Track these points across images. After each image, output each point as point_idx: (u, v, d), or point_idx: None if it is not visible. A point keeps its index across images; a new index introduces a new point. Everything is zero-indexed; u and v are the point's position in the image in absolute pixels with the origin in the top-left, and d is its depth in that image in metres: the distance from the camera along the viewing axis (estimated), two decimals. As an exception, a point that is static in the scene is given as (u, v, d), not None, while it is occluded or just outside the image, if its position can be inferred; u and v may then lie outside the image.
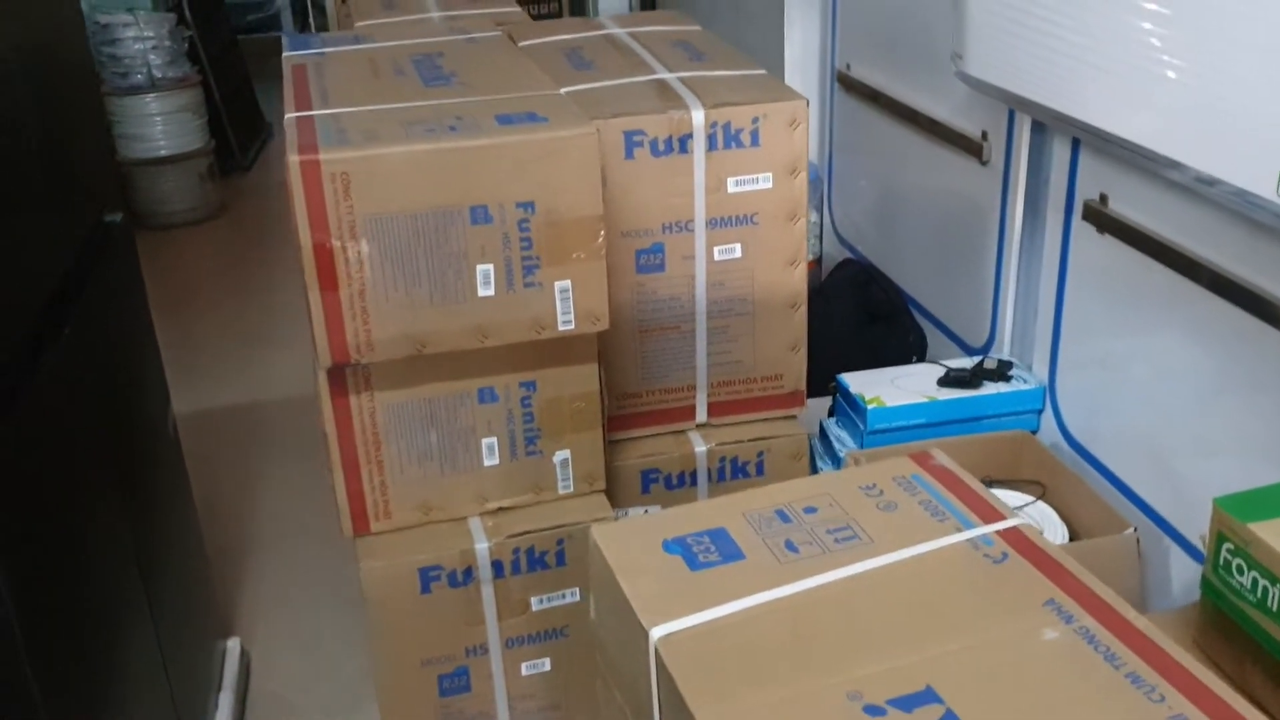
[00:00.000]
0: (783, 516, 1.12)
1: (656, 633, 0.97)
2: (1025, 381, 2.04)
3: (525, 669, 1.69)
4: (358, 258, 1.44)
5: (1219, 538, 1.08)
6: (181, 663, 1.83)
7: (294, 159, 1.39)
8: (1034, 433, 2.02)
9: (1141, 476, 1.81)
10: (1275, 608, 1.02)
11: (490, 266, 1.49)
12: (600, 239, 1.50)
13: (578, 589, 1.67)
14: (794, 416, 1.92)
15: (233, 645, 2.12)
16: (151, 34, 4.40)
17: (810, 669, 0.92)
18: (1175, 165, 1.36)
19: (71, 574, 1.42)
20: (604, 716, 1.18)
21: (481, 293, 1.50)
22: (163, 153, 4.43)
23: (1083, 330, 1.94)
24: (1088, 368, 1.94)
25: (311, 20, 5.59)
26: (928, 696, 0.88)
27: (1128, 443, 1.85)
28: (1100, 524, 1.74)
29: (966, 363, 2.10)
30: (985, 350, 2.21)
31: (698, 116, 1.65)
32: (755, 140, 1.68)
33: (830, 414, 2.15)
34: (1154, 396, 1.77)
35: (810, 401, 2.00)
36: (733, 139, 1.67)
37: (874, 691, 0.88)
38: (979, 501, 1.12)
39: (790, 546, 1.07)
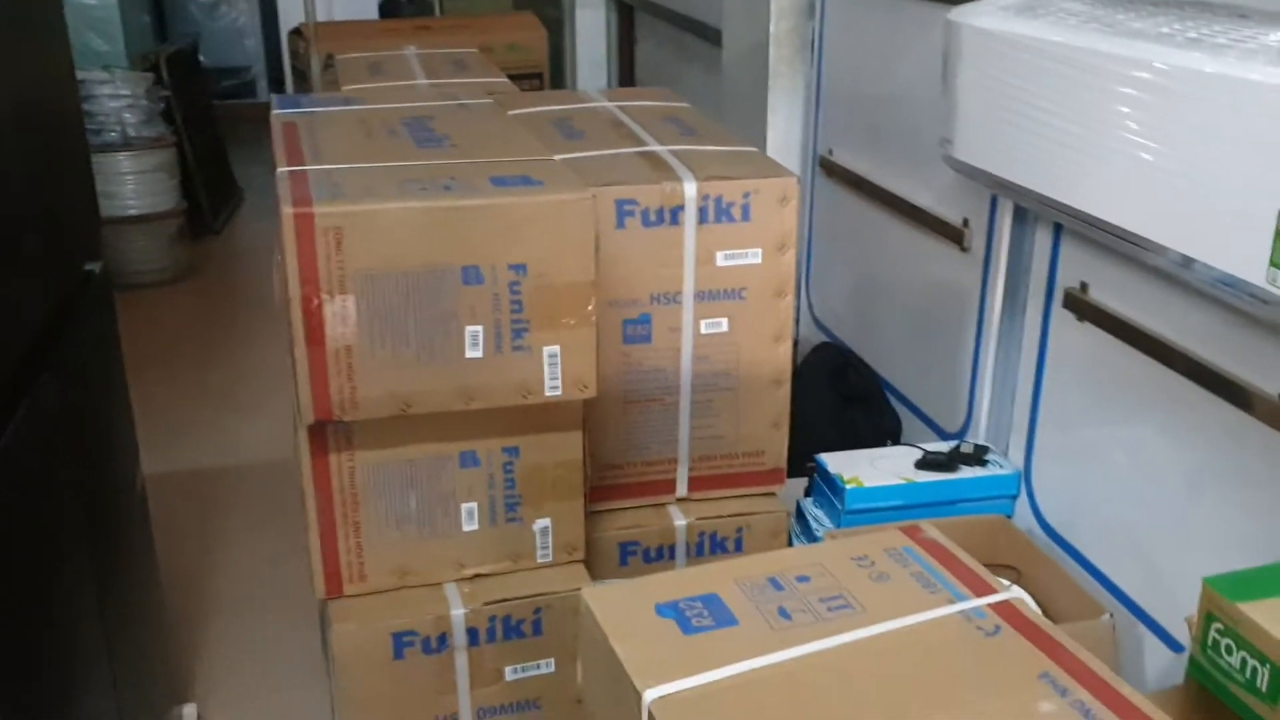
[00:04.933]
0: (775, 584, 1.11)
1: (650, 695, 0.95)
2: (1001, 467, 2.05)
3: (495, 741, 1.65)
4: (346, 314, 1.43)
5: (1208, 617, 1.08)
6: (136, 727, 1.78)
7: (288, 211, 1.38)
8: (1009, 517, 2.03)
9: (1117, 564, 1.81)
10: (1264, 688, 1.02)
11: (480, 328, 1.48)
12: (591, 305, 1.51)
13: (553, 659, 1.64)
14: (774, 493, 1.92)
15: (189, 712, 2.06)
16: (128, 92, 4.42)
17: (807, 737, 0.90)
18: (1159, 249, 1.39)
19: (36, 631, 1.37)
20: (586, 786, 1.15)
21: (469, 354, 1.49)
22: (132, 212, 4.40)
23: (1060, 416, 1.96)
24: (1064, 454, 1.96)
25: (290, 88, 5.63)
26: (928, 767, 0.86)
27: (1104, 530, 1.86)
28: (1075, 610, 1.74)
29: (943, 446, 2.11)
30: (960, 436, 2.22)
31: (690, 188, 1.67)
32: (746, 215, 1.70)
33: (807, 494, 2.14)
34: (1131, 484, 1.79)
35: (789, 482, 2.00)
36: (724, 213, 1.69)
37: (873, 761, 0.87)
38: (970, 575, 1.12)
39: (783, 614, 1.06)
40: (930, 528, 1.22)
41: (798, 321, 2.98)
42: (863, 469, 2.04)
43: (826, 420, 2.58)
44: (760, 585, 1.10)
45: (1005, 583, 1.12)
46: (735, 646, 1.01)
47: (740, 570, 1.13)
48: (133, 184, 4.42)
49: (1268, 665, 1.02)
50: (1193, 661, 1.12)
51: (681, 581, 1.12)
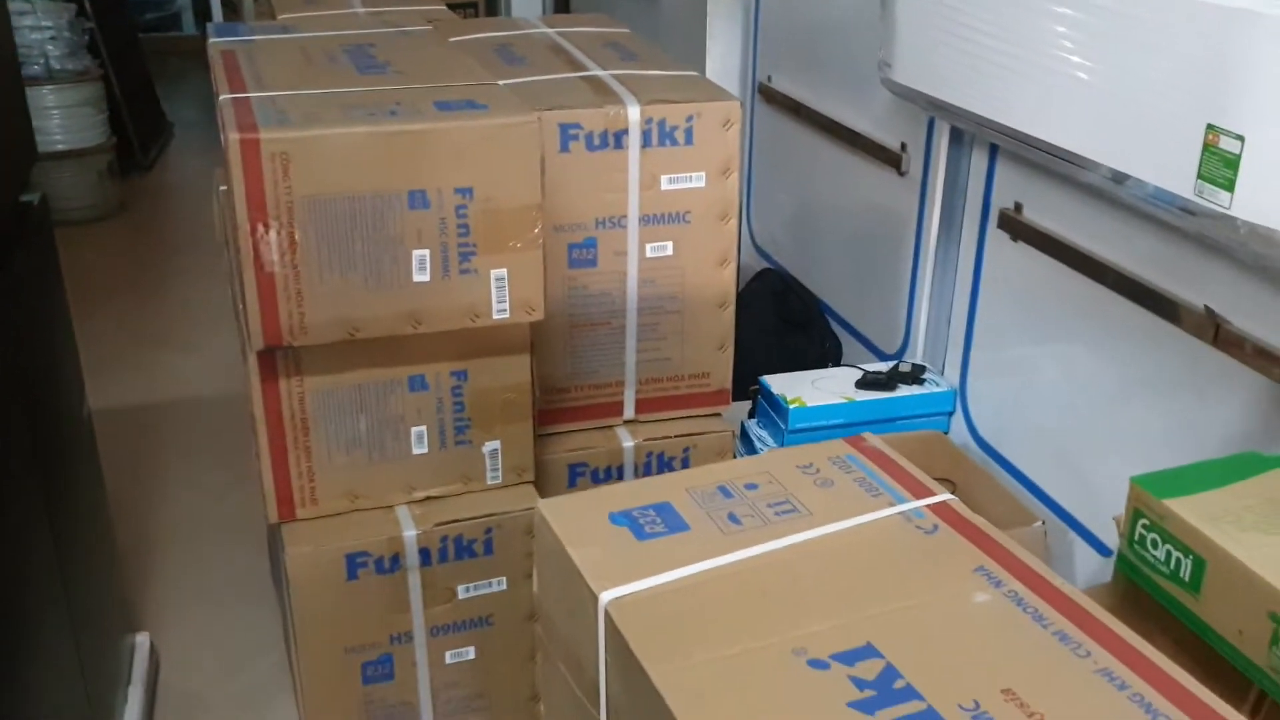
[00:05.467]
0: (724, 492, 1.14)
1: (606, 597, 0.98)
2: (938, 385, 2.11)
3: (449, 657, 1.69)
4: (294, 239, 1.43)
5: (1135, 514, 1.14)
6: (94, 655, 1.79)
7: (234, 136, 1.38)
8: (945, 433, 2.09)
9: (1048, 474, 1.89)
10: (1187, 577, 1.08)
11: (426, 252, 1.49)
12: (538, 229, 1.52)
13: (505, 578, 1.68)
14: (719, 414, 1.96)
15: (142, 640, 2.07)
16: (50, 24, 4.28)
17: (757, 629, 0.94)
18: (1092, 166, 1.43)
19: None
20: (546, 692, 1.19)
21: (417, 278, 1.50)
22: (60, 147, 4.30)
23: (994, 335, 2.02)
24: (998, 370, 2.02)
25: (219, 19, 5.50)
26: (868, 652, 0.91)
27: (1035, 442, 1.93)
28: (1009, 518, 1.80)
29: (882, 367, 2.16)
30: (898, 356, 2.28)
31: (633, 112, 1.68)
32: (689, 139, 1.72)
33: (751, 415, 2.19)
34: (1061, 397, 1.85)
35: (733, 405, 2.04)
36: (667, 136, 1.71)
37: (818, 648, 0.91)
38: (910, 479, 1.17)
39: (733, 519, 1.10)
40: (873, 437, 1.26)
41: (739, 248, 3.01)
42: (805, 390, 2.09)
43: (769, 345, 2.62)
44: (710, 493, 1.14)
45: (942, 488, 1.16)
46: (687, 550, 1.05)
47: (691, 480, 1.17)
48: (59, 119, 4.30)
49: (1190, 556, 1.08)
50: (1121, 557, 1.18)
51: (635, 491, 1.15)
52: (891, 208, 2.26)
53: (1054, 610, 0.96)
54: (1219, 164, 1.16)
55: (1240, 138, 1.14)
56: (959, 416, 2.11)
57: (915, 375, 2.13)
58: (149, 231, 4.52)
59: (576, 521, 1.10)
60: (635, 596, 0.99)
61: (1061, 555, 1.81)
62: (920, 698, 0.86)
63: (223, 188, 2.03)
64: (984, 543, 1.06)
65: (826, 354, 2.53)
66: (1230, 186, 1.15)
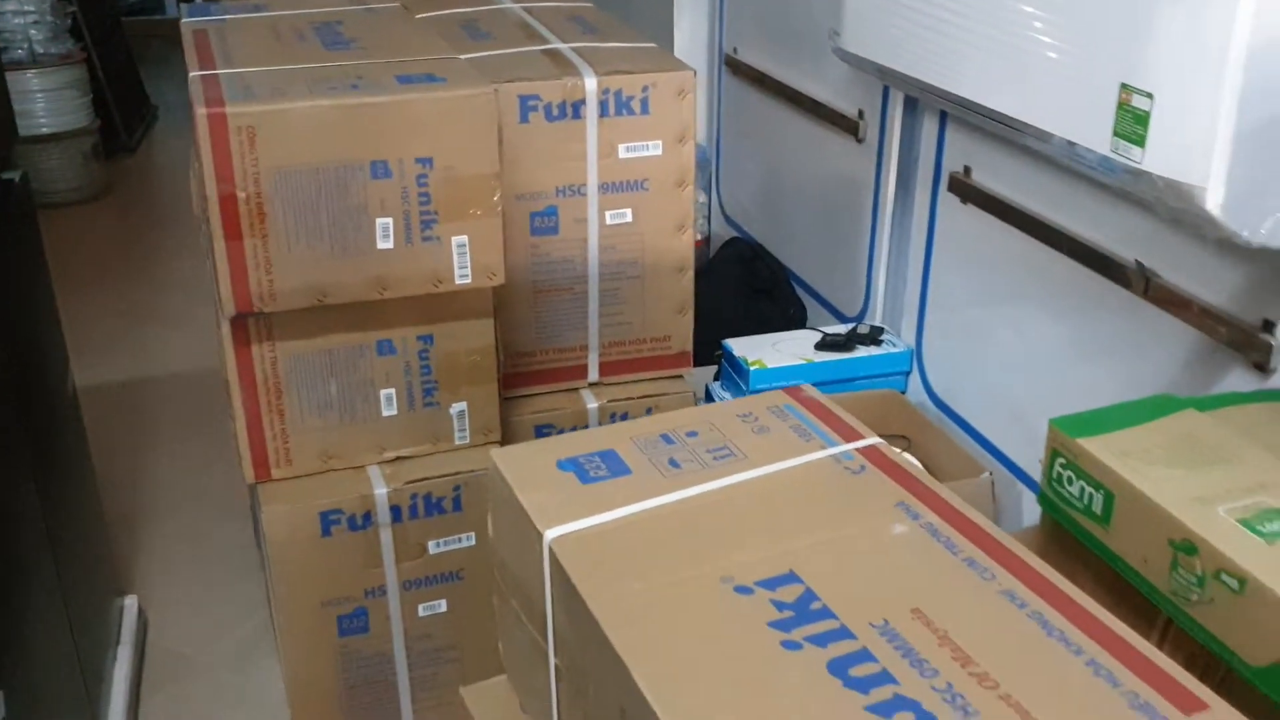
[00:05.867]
0: (667, 440, 1.21)
1: (550, 534, 1.05)
2: (895, 345, 2.18)
3: (422, 610, 1.76)
4: (262, 209, 1.49)
5: (1053, 454, 1.21)
6: (84, 616, 1.86)
7: (202, 111, 1.44)
8: (902, 392, 2.16)
9: (998, 429, 1.96)
10: (1099, 511, 1.15)
11: (389, 220, 1.55)
12: (496, 196, 1.58)
13: (473, 533, 1.75)
14: (681, 376, 2.02)
15: (130, 603, 2.14)
16: (33, 8, 4.33)
17: (688, 560, 1.01)
18: (1026, 128, 1.49)
19: None
20: (502, 630, 1.26)
21: (381, 245, 1.56)
22: (45, 130, 4.35)
23: (947, 295, 2.09)
24: (951, 330, 2.09)
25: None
26: (790, 578, 0.98)
27: (986, 398, 2.00)
28: (959, 471, 1.88)
29: (841, 329, 2.23)
30: (859, 319, 2.35)
31: (590, 83, 1.74)
32: (645, 108, 1.78)
33: (716, 378, 2.26)
34: (1011, 355, 1.92)
35: (698, 370, 2.11)
36: (624, 106, 1.77)
37: (744, 576, 0.98)
38: (843, 426, 1.24)
39: (673, 463, 1.16)
40: (810, 388, 1.33)
41: (709, 218, 3.07)
42: (765, 352, 2.16)
43: (737, 312, 2.69)
44: (653, 441, 1.21)
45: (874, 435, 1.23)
46: (627, 491, 1.11)
47: (636, 429, 1.23)
48: (43, 102, 4.35)
49: (1101, 490, 1.15)
50: (1041, 495, 1.25)
51: (582, 441, 1.22)
52: (851, 174, 2.32)
53: (966, 540, 1.03)
54: (1131, 121, 1.23)
55: (1150, 95, 1.20)
56: (916, 376, 2.18)
57: (873, 337, 2.20)
58: (134, 212, 4.57)
59: (526, 468, 1.16)
60: (577, 534, 1.06)
61: (1010, 505, 1.88)
62: (834, 617, 0.93)
63: (198, 164, 2.09)
64: (907, 481, 1.13)
65: (792, 319, 2.60)
66: (1142, 142, 1.22)
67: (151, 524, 2.51)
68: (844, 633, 0.92)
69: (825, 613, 0.94)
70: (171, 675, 2.10)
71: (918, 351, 2.17)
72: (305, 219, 1.51)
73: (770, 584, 0.98)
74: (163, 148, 5.22)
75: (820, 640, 0.91)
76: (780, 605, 0.95)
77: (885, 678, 0.87)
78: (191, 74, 1.58)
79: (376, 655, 1.76)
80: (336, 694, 1.77)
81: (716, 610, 0.95)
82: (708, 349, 2.22)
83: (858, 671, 0.88)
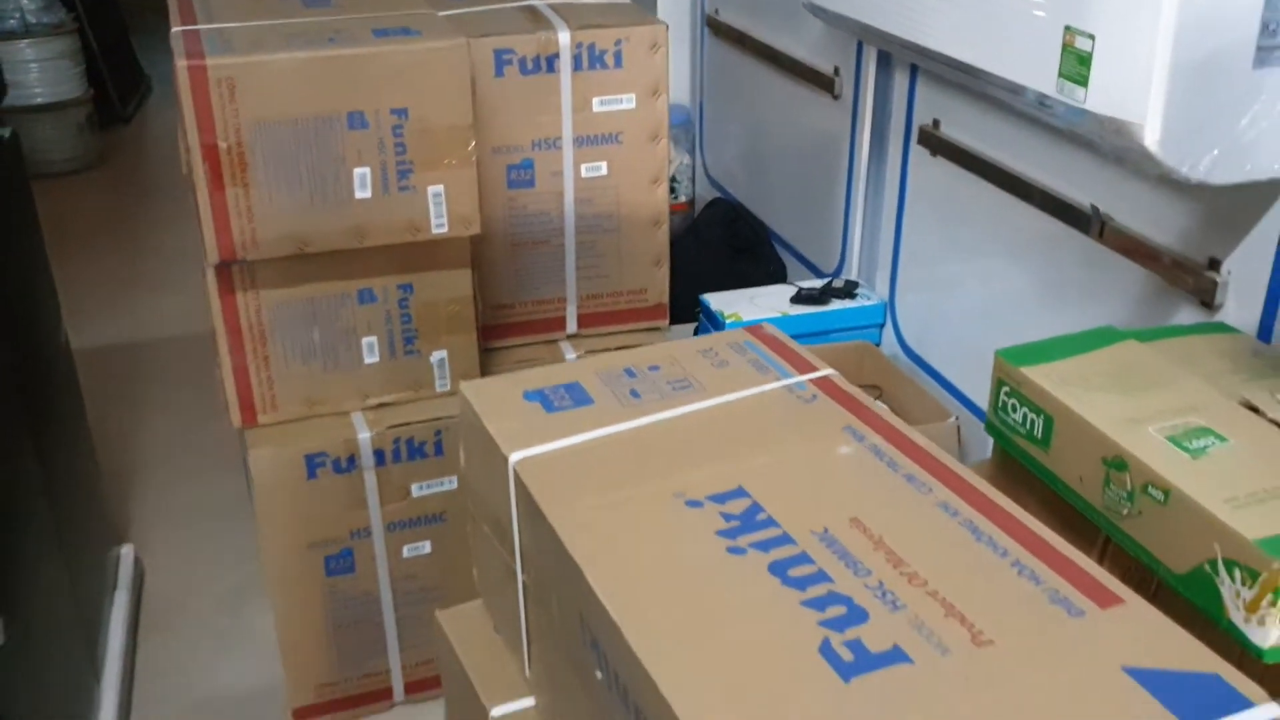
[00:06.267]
0: (629, 373, 1.26)
1: (515, 457, 1.11)
2: (868, 299, 2.23)
3: (406, 551, 1.82)
4: (243, 159, 1.54)
5: (999, 383, 1.26)
6: (81, 564, 1.92)
7: (182, 64, 1.48)
8: (876, 344, 2.22)
9: (965, 376, 2.01)
10: (1039, 435, 1.20)
11: (367, 170, 1.60)
12: (470, 147, 1.63)
13: (455, 477, 1.80)
14: (658, 328, 2.08)
15: (126, 551, 2.20)
16: (24, -22, 4.36)
17: (644, 478, 1.07)
18: (988, 78, 1.53)
19: None
20: (476, 556, 1.32)
21: (359, 195, 1.61)
22: (39, 100, 4.38)
23: (918, 248, 2.14)
24: (923, 283, 2.14)
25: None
26: (738, 493, 1.03)
27: (955, 348, 2.06)
28: (927, 417, 1.93)
29: (817, 283, 2.28)
30: (836, 275, 2.39)
31: (564, 37, 1.79)
32: (619, 62, 1.82)
33: (695, 334, 2.31)
34: (977, 304, 1.97)
35: (679, 327, 2.17)
36: (597, 60, 1.81)
37: (695, 491, 1.04)
38: (799, 360, 1.29)
39: (634, 394, 1.22)
40: (770, 327, 1.38)
41: (694, 180, 3.12)
42: (742, 306, 2.21)
43: (719, 271, 2.73)
44: (616, 374, 1.26)
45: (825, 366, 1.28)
46: (589, 419, 1.17)
47: (601, 364, 1.29)
48: (37, 72, 4.39)
49: (1041, 415, 1.20)
50: (989, 423, 1.30)
51: (548, 374, 1.27)
52: (827, 131, 2.37)
53: (907, 459, 1.08)
54: (1075, 62, 1.27)
55: (1091, 36, 1.25)
56: (889, 328, 2.23)
57: (848, 291, 2.25)
58: (129, 182, 4.61)
59: (494, 399, 1.22)
60: (539, 457, 1.11)
61: (976, 449, 1.94)
62: (778, 526, 0.99)
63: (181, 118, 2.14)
64: (856, 408, 1.18)
65: (772, 277, 2.65)
66: (1085, 82, 1.26)
67: (146, 477, 2.57)
68: (785, 539, 0.97)
69: (769, 523, 1.00)
70: (167, 619, 2.16)
71: (891, 304, 2.22)
72: (286, 169, 1.56)
73: (719, 499, 1.03)
74: (157, 119, 5.25)
75: (763, 546, 0.97)
76: (728, 517, 1.01)
77: (821, 577, 0.92)
78: (173, 30, 1.62)
79: (363, 595, 1.83)
80: (325, 633, 1.83)
81: (668, 521, 1.01)
82: (691, 309, 2.27)
83: (796, 572, 0.93)
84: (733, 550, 0.96)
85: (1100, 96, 1.26)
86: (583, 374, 1.27)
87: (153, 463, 2.64)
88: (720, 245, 2.80)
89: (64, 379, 2.03)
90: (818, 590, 0.91)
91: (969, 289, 1.99)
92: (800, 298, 2.22)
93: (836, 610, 0.89)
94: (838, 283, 2.26)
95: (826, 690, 0.81)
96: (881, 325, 2.24)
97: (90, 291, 3.45)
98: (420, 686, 1.94)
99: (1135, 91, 1.21)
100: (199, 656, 2.08)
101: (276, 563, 1.76)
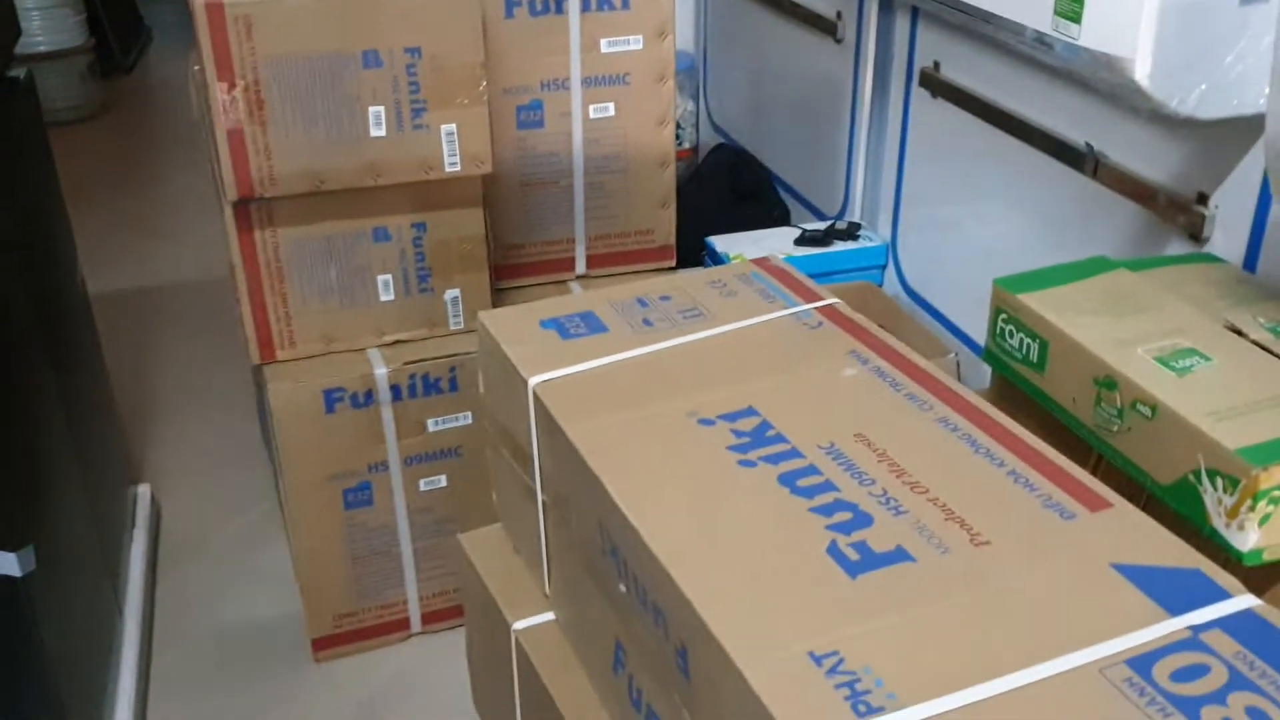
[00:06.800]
0: (641, 303, 1.31)
1: (534, 380, 1.16)
2: (871, 240, 2.28)
3: (423, 485, 1.87)
4: (260, 97, 1.58)
5: (996, 311, 1.31)
6: (101, 499, 1.97)
7: (199, 2, 1.52)
8: (879, 285, 2.26)
9: (964, 314, 2.06)
10: (1035, 359, 1.26)
11: (381, 108, 1.64)
12: (482, 86, 1.67)
13: (470, 412, 1.85)
14: (665, 268, 2.12)
15: (143, 490, 2.26)
16: (25, -73, 4.35)
17: (658, 399, 1.12)
18: (986, 15, 1.57)
19: (8, 414, 1.53)
20: (495, 480, 1.37)
21: (374, 133, 1.65)
22: (42, 48, 4.39)
23: (920, 189, 2.17)
24: (924, 223, 2.18)
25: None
26: (749, 412, 1.08)
27: (954, 287, 2.10)
28: (927, 353, 1.97)
29: (820, 225, 2.32)
30: (839, 218, 2.43)
31: (572, -21, 1.82)
32: (626, 3, 1.86)
33: (699, 274, 2.35)
34: (976, 243, 2.02)
35: (685, 271, 2.20)
36: (605, 1, 1.84)
37: (707, 410, 1.09)
38: (805, 290, 1.34)
39: (646, 322, 1.27)
40: (777, 258, 1.42)
41: (697, 127, 3.15)
42: (746, 247, 2.25)
43: (724, 216, 2.77)
44: (629, 304, 1.31)
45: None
46: (604, 345, 1.22)
47: (613, 294, 1.34)
48: (38, 20, 4.39)
49: (1037, 340, 1.25)
50: (987, 350, 1.35)
51: (562, 304, 1.32)
52: (830, 74, 2.40)
53: (909, 379, 1.14)
54: None
55: (1087, -26, 1.29)
56: (891, 270, 2.28)
57: (851, 232, 2.29)
58: (133, 131, 4.63)
59: (512, 327, 1.27)
60: (558, 380, 1.16)
61: (975, 383, 1.98)
62: (786, 441, 1.04)
63: (196, 68, 2.17)
64: (860, 334, 1.23)
65: (775, 220, 2.68)
66: (1078, 19, 1.30)
67: (162, 419, 2.63)
68: (794, 453, 1.03)
69: (779, 438, 1.05)
70: (184, 556, 2.22)
71: (893, 245, 2.26)
72: (302, 107, 1.60)
73: (730, 417, 1.08)
74: (159, 68, 5.26)
75: (773, 459, 1.02)
76: (739, 434, 1.06)
77: (828, 486, 0.98)
78: (190, -29, 1.65)
79: (381, 528, 1.88)
80: (343, 565, 1.89)
81: (682, 438, 1.06)
82: (695, 253, 2.32)
83: (804, 482, 0.99)
84: (744, 463, 1.02)
85: (1093, 32, 1.30)
86: (596, 303, 1.32)
87: (166, 406, 2.69)
88: (724, 190, 2.83)
89: (82, 319, 2.08)
90: (825, 498, 0.96)
91: (969, 229, 2.03)
92: (804, 239, 2.26)
93: (843, 515, 0.94)
94: (840, 225, 2.30)
95: (836, 585, 0.87)
96: (884, 266, 2.28)
97: (98, 239, 3.47)
98: (436, 617, 2.00)
99: (1126, 27, 1.25)
100: (218, 590, 2.14)
101: (296, 496, 1.82)
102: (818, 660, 0.80)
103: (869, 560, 0.89)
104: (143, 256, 3.44)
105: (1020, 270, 1.88)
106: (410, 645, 2.01)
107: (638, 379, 1.16)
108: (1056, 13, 1.34)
